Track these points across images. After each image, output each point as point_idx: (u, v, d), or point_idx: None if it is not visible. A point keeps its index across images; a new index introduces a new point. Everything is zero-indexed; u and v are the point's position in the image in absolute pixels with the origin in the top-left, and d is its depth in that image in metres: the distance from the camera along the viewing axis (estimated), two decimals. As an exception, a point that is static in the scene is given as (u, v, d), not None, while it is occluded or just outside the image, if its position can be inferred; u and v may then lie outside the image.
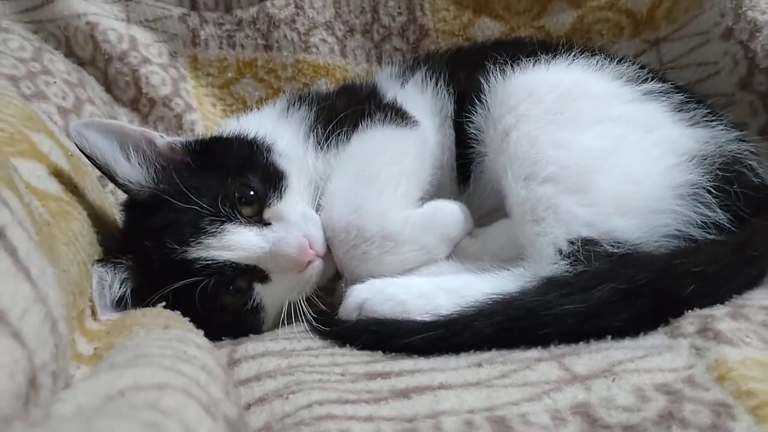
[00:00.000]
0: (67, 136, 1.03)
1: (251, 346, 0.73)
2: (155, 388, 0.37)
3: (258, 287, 0.81)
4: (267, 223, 0.82)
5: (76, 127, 0.81)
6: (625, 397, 0.52)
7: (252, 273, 0.80)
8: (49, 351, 0.43)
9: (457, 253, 0.86)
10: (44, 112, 1.04)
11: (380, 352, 0.69)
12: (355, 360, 0.68)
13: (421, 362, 0.65)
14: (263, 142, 0.91)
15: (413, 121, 0.94)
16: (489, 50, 0.95)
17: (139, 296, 0.78)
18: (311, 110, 0.94)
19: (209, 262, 0.78)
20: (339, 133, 0.89)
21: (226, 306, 0.80)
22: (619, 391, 0.53)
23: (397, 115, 0.93)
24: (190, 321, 0.69)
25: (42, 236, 0.55)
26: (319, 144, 0.90)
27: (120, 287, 0.78)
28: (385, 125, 0.90)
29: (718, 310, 0.64)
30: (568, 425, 0.51)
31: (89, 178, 0.94)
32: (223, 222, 0.79)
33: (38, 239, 0.53)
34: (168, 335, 0.55)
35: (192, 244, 0.77)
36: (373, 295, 0.76)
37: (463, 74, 0.95)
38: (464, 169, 0.95)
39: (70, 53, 1.29)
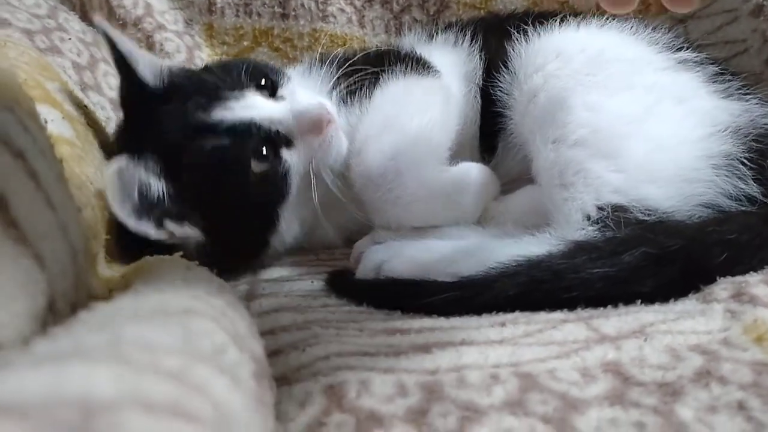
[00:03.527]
0: (81, 90, 1.01)
1: (265, 302, 0.72)
2: (182, 312, 0.35)
3: (285, 153, 0.82)
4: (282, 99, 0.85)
5: (101, 21, 0.86)
6: (658, 357, 0.51)
7: (276, 139, 0.82)
8: (70, 279, 0.41)
9: (479, 217, 0.84)
10: (59, 65, 1.03)
11: (398, 311, 0.67)
12: (372, 317, 0.66)
13: (441, 321, 0.63)
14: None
15: (435, 71, 0.93)
16: (520, 18, 0.93)
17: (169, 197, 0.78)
18: (333, 68, 0.93)
19: (234, 122, 0.79)
20: (362, 87, 0.89)
21: (257, 175, 0.80)
22: (652, 351, 0.51)
23: (418, 64, 0.92)
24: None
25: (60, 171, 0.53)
26: (343, 100, 0.89)
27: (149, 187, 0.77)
28: (407, 76, 0.89)
29: (752, 277, 0.63)
30: (598, 382, 0.49)
31: (102, 132, 0.93)
32: (243, 90, 0.82)
33: (57, 173, 0.51)
34: (192, 272, 0.53)
35: (215, 107, 0.80)
36: (391, 257, 0.74)
37: (494, 40, 0.93)
38: (488, 141, 0.94)
39: (84, 18, 1.27)
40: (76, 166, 0.71)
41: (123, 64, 0.84)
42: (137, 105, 0.85)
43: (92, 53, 1.16)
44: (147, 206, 0.76)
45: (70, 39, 1.13)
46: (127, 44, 0.85)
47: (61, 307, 0.40)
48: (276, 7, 1.36)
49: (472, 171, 0.86)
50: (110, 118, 1.06)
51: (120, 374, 0.26)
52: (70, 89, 0.93)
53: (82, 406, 0.24)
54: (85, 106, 0.90)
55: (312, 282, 0.77)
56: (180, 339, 0.30)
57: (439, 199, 0.82)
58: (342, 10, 1.35)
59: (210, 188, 0.79)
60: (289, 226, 0.86)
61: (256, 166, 0.80)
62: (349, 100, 0.89)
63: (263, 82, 0.86)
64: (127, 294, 0.40)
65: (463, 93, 0.94)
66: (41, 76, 0.85)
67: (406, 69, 0.90)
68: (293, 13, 1.36)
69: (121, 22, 1.30)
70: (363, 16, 1.36)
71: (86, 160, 0.75)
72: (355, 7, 1.35)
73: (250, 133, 0.80)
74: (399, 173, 0.81)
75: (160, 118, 0.81)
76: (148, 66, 0.85)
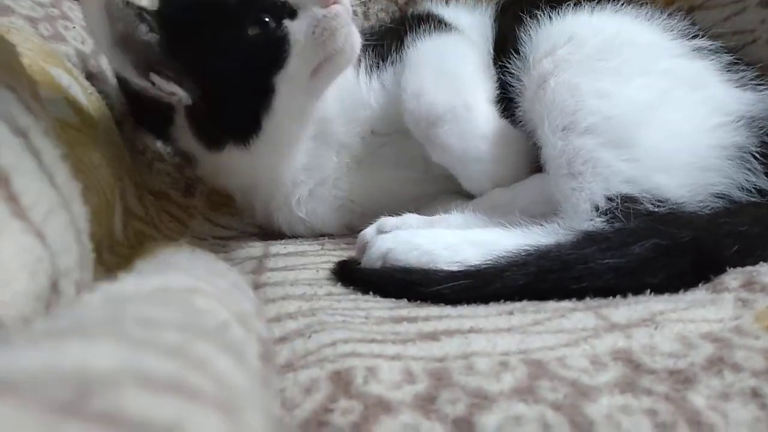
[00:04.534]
0: (86, 78, 1.00)
1: (270, 290, 0.71)
2: (187, 291, 0.35)
3: (287, 22, 0.81)
4: None
5: None
6: (669, 345, 0.50)
7: (280, 8, 0.81)
8: (74, 258, 0.40)
9: (486, 206, 0.83)
10: (63, 53, 1.02)
11: (405, 300, 0.67)
12: (378, 306, 0.65)
13: (449, 309, 0.62)
14: None
15: (456, 29, 0.94)
16: (532, 1, 0.92)
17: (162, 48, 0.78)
18: None
19: None
20: (390, 52, 0.90)
21: (252, 38, 0.80)
22: (663, 339, 0.51)
23: (440, 24, 0.93)
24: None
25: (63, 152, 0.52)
26: (370, 67, 0.91)
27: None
28: (433, 34, 0.90)
29: (763, 267, 0.62)
30: (609, 369, 0.48)
31: (107, 118, 0.92)
32: None
33: (61, 152, 0.50)
34: (196, 255, 0.52)
35: None
36: (397, 245, 0.73)
37: (505, 22, 0.93)
38: None
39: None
40: (81, 151, 0.70)
41: None
42: None
43: (96, 42, 1.15)
44: (132, 47, 0.76)
45: (74, 27, 1.12)
46: None
47: (64, 287, 0.39)
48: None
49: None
50: (114, 106, 1.05)
51: (118, 349, 0.26)
52: (75, 74, 0.93)
53: (78, 382, 0.23)
54: (90, 94, 0.89)
55: (317, 271, 0.77)
56: (182, 316, 0.29)
57: (500, 142, 0.84)
58: (348, 2, 1.35)
59: (202, 46, 0.79)
60: (288, 113, 0.85)
61: (252, 30, 0.80)
62: (379, 65, 0.91)
63: None
64: (130, 274, 0.39)
65: (487, 51, 0.94)
66: (45, 63, 0.84)
67: (430, 29, 0.91)
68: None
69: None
70: (368, 9, 1.36)
71: (91, 145, 0.74)
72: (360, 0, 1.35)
73: None
74: (469, 107, 0.83)
75: None
76: None
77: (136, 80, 0.77)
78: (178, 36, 0.79)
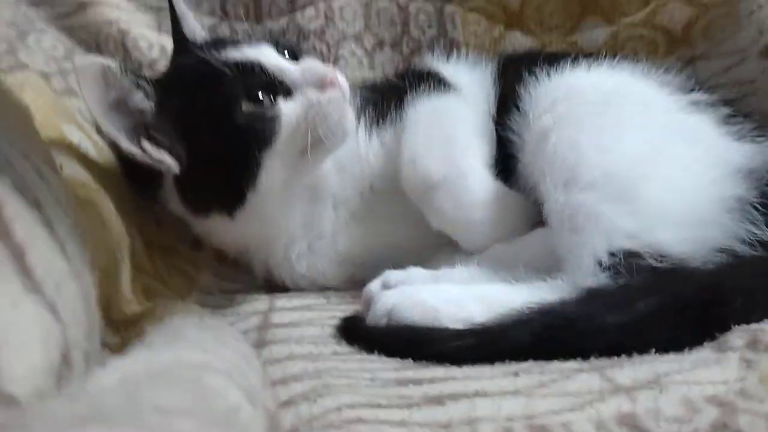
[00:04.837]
0: (97, 132, 1.02)
1: (275, 349, 0.71)
2: (197, 367, 0.35)
3: (281, 102, 0.83)
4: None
5: None
6: (673, 409, 0.50)
7: (277, 87, 0.83)
8: (83, 329, 0.41)
9: (490, 260, 0.84)
10: (74, 107, 1.04)
11: (410, 359, 0.66)
12: (384, 366, 0.65)
13: (454, 370, 0.62)
14: None
15: (455, 89, 0.95)
16: (531, 58, 0.94)
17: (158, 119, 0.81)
18: (357, 96, 0.94)
19: (241, 60, 0.82)
20: (390, 110, 0.92)
21: (244, 114, 0.81)
22: (667, 403, 0.51)
23: (440, 83, 0.94)
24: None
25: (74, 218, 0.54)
26: (370, 125, 0.92)
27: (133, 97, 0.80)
28: (433, 94, 0.92)
29: (767, 325, 0.62)
30: (615, 436, 0.48)
31: (117, 173, 0.94)
32: (260, 43, 0.87)
33: (72, 221, 0.51)
34: (204, 323, 0.53)
35: (228, 48, 0.84)
36: (402, 301, 0.73)
37: (506, 80, 0.94)
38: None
39: (100, 60, 1.29)
40: (90, 209, 0.71)
41: (175, 24, 0.95)
42: (175, 53, 0.95)
43: (108, 95, 1.18)
44: (125, 112, 0.79)
45: (86, 81, 1.15)
46: (182, 6, 0.96)
47: (74, 358, 0.40)
48: (289, 49, 1.38)
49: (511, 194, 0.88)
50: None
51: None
52: (86, 130, 0.95)
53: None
54: (100, 149, 0.91)
55: (323, 327, 0.77)
56: (194, 399, 0.30)
57: (495, 206, 0.85)
58: (353, 53, 1.37)
59: (194, 117, 0.81)
60: (271, 189, 0.85)
61: (246, 106, 0.81)
62: (379, 123, 0.92)
63: (286, 51, 0.88)
64: (141, 348, 0.40)
65: (485, 111, 0.95)
66: (57, 119, 0.86)
67: (429, 88, 0.92)
68: (305, 56, 1.38)
69: (137, 64, 1.31)
70: (373, 59, 1.38)
71: (101, 202, 0.75)
72: (365, 50, 1.37)
73: (251, 73, 0.82)
74: (463, 175, 0.84)
75: (176, 59, 0.89)
76: (193, 26, 0.95)
77: (127, 146, 0.79)
78: (171, 104, 0.82)
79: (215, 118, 0.81)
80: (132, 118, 0.80)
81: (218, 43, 0.89)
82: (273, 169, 0.83)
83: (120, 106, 0.79)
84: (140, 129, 0.80)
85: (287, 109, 0.83)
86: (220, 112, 0.81)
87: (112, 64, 0.77)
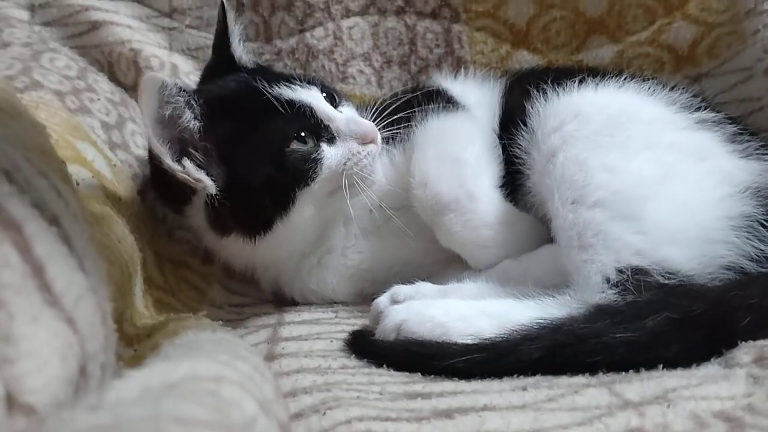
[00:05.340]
0: (110, 148, 1.04)
1: (285, 362, 0.72)
2: (213, 380, 0.36)
3: (324, 146, 0.88)
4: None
5: None
6: (682, 424, 0.50)
7: (322, 132, 0.88)
8: (100, 341, 0.42)
9: (498, 276, 0.84)
10: (88, 125, 1.06)
11: (419, 373, 0.67)
12: (393, 380, 0.66)
13: (463, 384, 0.63)
14: None
15: (463, 107, 0.97)
16: (538, 76, 0.95)
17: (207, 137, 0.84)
18: (368, 114, 0.96)
19: (294, 100, 0.87)
20: (400, 128, 0.94)
21: (291, 153, 0.85)
22: (676, 418, 0.51)
23: (449, 102, 0.97)
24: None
25: (90, 233, 0.55)
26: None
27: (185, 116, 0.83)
28: (441, 114, 0.94)
29: (775, 342, 0.62)
30: (623, 451, 0.48)
31: (131, 191, 0.95)
32: (311, 85, 0.92)
33: (88, 236, 0.52)
34: (218, 336, 0.54)
35: (281, 85, 0.88)
36: (411, 316, 0.74)
37: (514, 96, 0.95)
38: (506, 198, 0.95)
39: (112, 78, 1.30)
40: (105, 225, 0.72)
41: (222, 37, 0.97)
42: (216, 71, 0.96)
43: (120, 113, 1.19)
44: (174, 128, 0.81)
45: (99, 99, 1.17)
46: (232, 23, 0.98)
47: (91, 370, 0.41)
48: (297, 69, 1.39)
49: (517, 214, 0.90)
50: (137, 175, 1.08)
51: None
52: (100, 147, 0.96)
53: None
54: (114, 165, 0.92)
55: (331, 341, 0.77)
56: (212, 411, 0.31)
57: (504, 227, 0.86)
58: (361, 72, 1.39)
59: (241, 146, 0.85)
60: (300, 221, 0.88)
61: (294, 145, 0.85)
62: (388, 141, 0.94)
63: (326, 95, 0.93)
64: (158, 360, 0.41)
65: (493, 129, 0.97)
66: (72, 137, 0.88)
67: (438, 107, 0.94)
68: (314, 75, 1.39)
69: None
70: (381, 77, 1.39)
71: (115, 218, 0.77)
72: (374, 69, 1.39)
73: (303, 115, 0.87)
74: (473, 198, 0.86)
75: (226, 81, 0.90)
76: (241, 48, 0.99)
77: (169, 162, 0.81)
78: (219, 128, 0.85)
79: (263, 151, 0.85)
80: (178, 135, 0.83)
81: (268, 74, 0.94)
82: (305, 205, 0.88)
83: (170, 122, 0.81)
84: (184, 145, 0.83)
85: (330, 153, 0.88)
86: (269, 147, 0.85)
87: (170, 81, 0.80)
